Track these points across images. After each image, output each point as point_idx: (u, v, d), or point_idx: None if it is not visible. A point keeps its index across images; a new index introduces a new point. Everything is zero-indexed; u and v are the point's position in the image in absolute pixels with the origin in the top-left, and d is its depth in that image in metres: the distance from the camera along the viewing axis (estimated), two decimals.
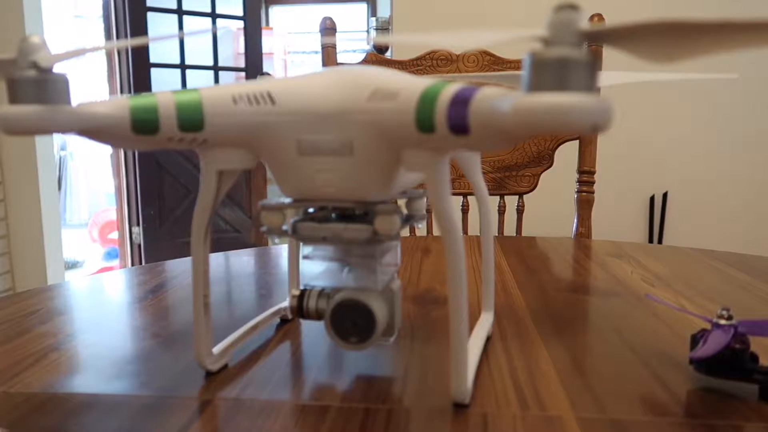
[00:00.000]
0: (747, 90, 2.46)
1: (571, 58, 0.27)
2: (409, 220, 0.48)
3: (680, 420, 0.39)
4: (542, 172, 1.31)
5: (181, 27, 3.58)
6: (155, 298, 0.67)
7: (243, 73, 3.78)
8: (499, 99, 0.30)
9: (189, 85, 3.66)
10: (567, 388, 0.44)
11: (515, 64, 1.28)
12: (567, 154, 1.46)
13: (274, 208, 0.44)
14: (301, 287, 0.48)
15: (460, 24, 2.49)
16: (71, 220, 5.23)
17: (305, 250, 0.47)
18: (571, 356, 0.50)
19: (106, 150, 4.54)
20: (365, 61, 1.28)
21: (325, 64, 1.29)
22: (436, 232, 1.61)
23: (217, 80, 3.70)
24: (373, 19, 3.93)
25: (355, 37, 5.76)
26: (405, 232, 1.72)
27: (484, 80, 0.50)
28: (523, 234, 1.39)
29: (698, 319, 0.58)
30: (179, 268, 0.82)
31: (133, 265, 3.65)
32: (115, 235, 4.22)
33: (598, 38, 0.27)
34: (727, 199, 2.54)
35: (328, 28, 1.25)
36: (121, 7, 3.41)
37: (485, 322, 0.54)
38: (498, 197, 1.33)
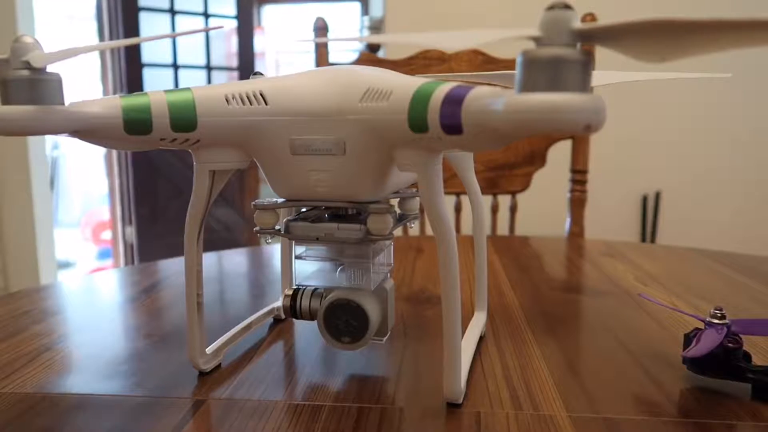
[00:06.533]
0: (740, 89, 2.47)
1: (564, 58, 0.26)
2: (402, 219, 0.48)
3: (673, 419, 0.39)
4: (535, 172, 1.31)
5: (173, 27, 3.57)
6: (148, 298, 0.67)
7: (235, 73, 3.78)
8: (491, 99, 0.29)
9: (181, 84, 3.65)
10: (560, 387, 0.44)
11: (509, 64, 1.28)
12: (560, 154, 1.46)
13: (267, 207, 0.44)
14: (294, 287, 0.48)
15: (453, 23, 2.49)
16: (64, 219, 5.21)
17: (298, 249, 0.47)
18: (564, 355, 0.50)
19: (99, 150, 4.53)
20: (359, 61, 1.28)
21: (317, 63, 1.28)
22: (429, 231, 1.61)
23: (209, 80, 3.69)
24: (366, 18, 3.92)
25: (348, 36, 5.71)
26: (398, 232, 1.72)
27: (478, 80, 0.50)
28: (516, 233, 1.39)
29: (691, 318, 0.58)
30: (172, 267, 0.81)
31: (126, 264, 3.64)
32: (107, 234, 4.20)
33: (590, 37, 0.27)
34: (720, 198, 2.55)
35: (321, 28, 1.25)
36: (113, 8, 3.39)
37: (478, 321, 0.54)
38: (491, 196, 1.33)
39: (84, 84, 4.90)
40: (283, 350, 0.51)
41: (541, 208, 2.28)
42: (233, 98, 0.40)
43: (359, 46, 3.54)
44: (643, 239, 2.59)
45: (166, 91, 0.39)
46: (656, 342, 0.53)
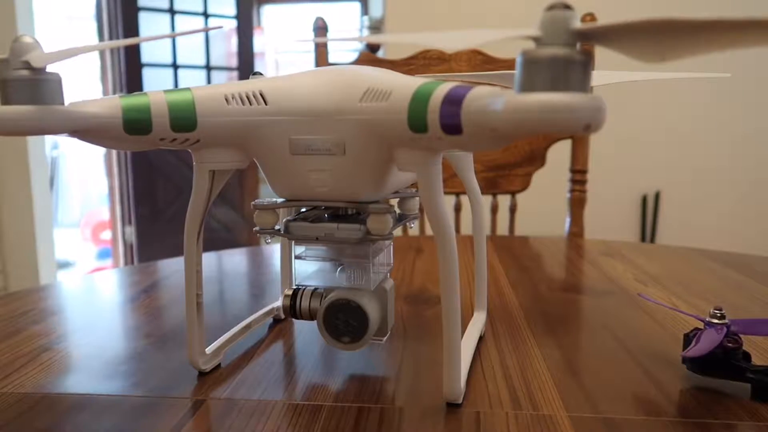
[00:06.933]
0: (740, 89, 2.47)
1: (563, 58, 0.26)
2: (401, 219, 0.48)
3: (673, 419, 0.39)
4: (535, 172, 1.31)
5: (173, 27, 3.57)
6: (148, 298, 0.67)
7: (235, 73, 3.78)
8: (491, 98, 0.29)
9: (181, 84, 3.65)
10: (559, 387, 0.44)
11: (509, 63, 1.28)
12: (560, 154, 1.47)
13: (267, 207, 0.44)
14: (294, 287, 0.48)
15: (453, 23, 2.49)
16: (64, 219, 5.21)
17: (298, 249, 0.47)
18: (564, 355, 0.50)
19: (99, 150, 4.53)
20: (358, 61, 1.28)
21: (317, 63, 1.28)
22: (429, 231, 1.61)
23: (209, 80, 3.69)
24: (366, 18, 3.92)
25: (347, 36, 5.67)
26: (398, 232, 1.72)
27: (478, 80, 0.50)
28: (516, 233, 1.39)
29: (691, 318, 0.58)
30: (172, 267, 0.81)
31: (125, 264, 3.64)
32: (107, 234, 4.20)
33: (590, 37, 0.27)
34: (720, 198, 2.55)
35: (320, 28, 1.25)
36: (113, 8, 3.39)
37: (478, 321, 0.54)
38: (491, 196, 1.33)
39: (84, 84, 4.90)
40: (283, 350, 0.51)
41: (540, 208, 2.28)
42: (233, 98, 0.40)
43: (359, 46, 3.54)
44: (643, 239, 2.59)
45: (166, 91, 0.39)
46: (656, 342, 0.53)
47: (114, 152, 3.54)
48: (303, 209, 0.47)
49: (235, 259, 0.87)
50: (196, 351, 0.46)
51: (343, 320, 0.43)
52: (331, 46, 1.33)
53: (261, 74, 0.45)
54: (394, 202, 0.52)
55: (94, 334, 0.56)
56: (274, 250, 0.94)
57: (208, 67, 3.69)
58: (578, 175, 1.28)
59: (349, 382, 0.45)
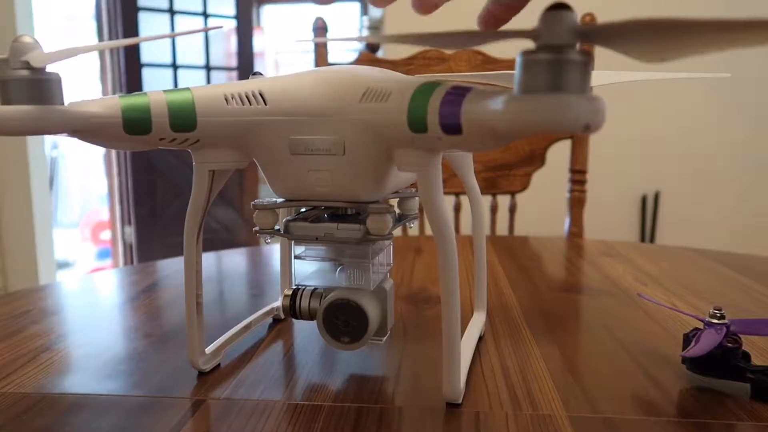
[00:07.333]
0: (740, 89, 2.46)
1: (563, 58, 0.26)
2: (401, 219, 0.48)
3: (672, 419, 0.39)
4: (534, 172, 1.31)
5: (173, 27, 3.57)
6: (147, 297, 0.67)
7: (235, 73, 3.78)
8: (491, 99, 0.29)
9: (181, 84, 3.64)
10: (559, 387, 0.44)
11: (508, 64, 1.28)
12: (559, 154, 1.47)
13: (267, 207, 0.44)
14: (294, 287, 0.48)
15: (453, 23, 2.49)
16: (63, 219, 5.21)
17: (297, 249, 0.47)
18: (564, 355, 0.50)
19: (99, 150, 4.53)
20: (358, 61, 1.28)
21: (317, 63, 1.28)
22: (428, 231, 1.61)
23: (208, 80, 3.69)
24: (365, 18, 3.92)
25: (347, 36, 5.64)
26: (397, 232, 1.72)
27: (478, 80, 0.50)
28: (516, 233, 1.39)
29: (691, 318, 0.58)
30: (171, 267, 0.81)
31: (125, 264, 3.64)
32: (107, 234, 4.20)
33: (590, 37, 0.27)
34: (720, 198, 2.55)
35: (320, 28, 1.25)
36: (113, 8, 3.39)
37: (478, 321, 0.54)
38: (490, 196, 1.33)
39: (83, 84, 4.90)
40: (283, 350, 0.51)
41: (540, 208, 2.28)
42: (233, 98, 0.40)
43: (359, 46, 3.54)
44: (643, 239, 2.59)
45: (166, 91, 0.39)
46: (656, 342, 0.53)
47: (114, 152, 3.54)
48: (303, 209, 0.47)
49: (235, 259, 0.87)
50: (196, 351, 0.46)
51: (343, 320, 0.43)
52: (330, 46, 1.33)
53: (261, 74, 0.45)
54: (394, 202, 0.52)
55: (94, 334, 0.56)
56: (273, 250, 0.94)
57: (208, 67, 3.69)
58: (578, 175, 1.28)
59: (348, 382, 0.45)
